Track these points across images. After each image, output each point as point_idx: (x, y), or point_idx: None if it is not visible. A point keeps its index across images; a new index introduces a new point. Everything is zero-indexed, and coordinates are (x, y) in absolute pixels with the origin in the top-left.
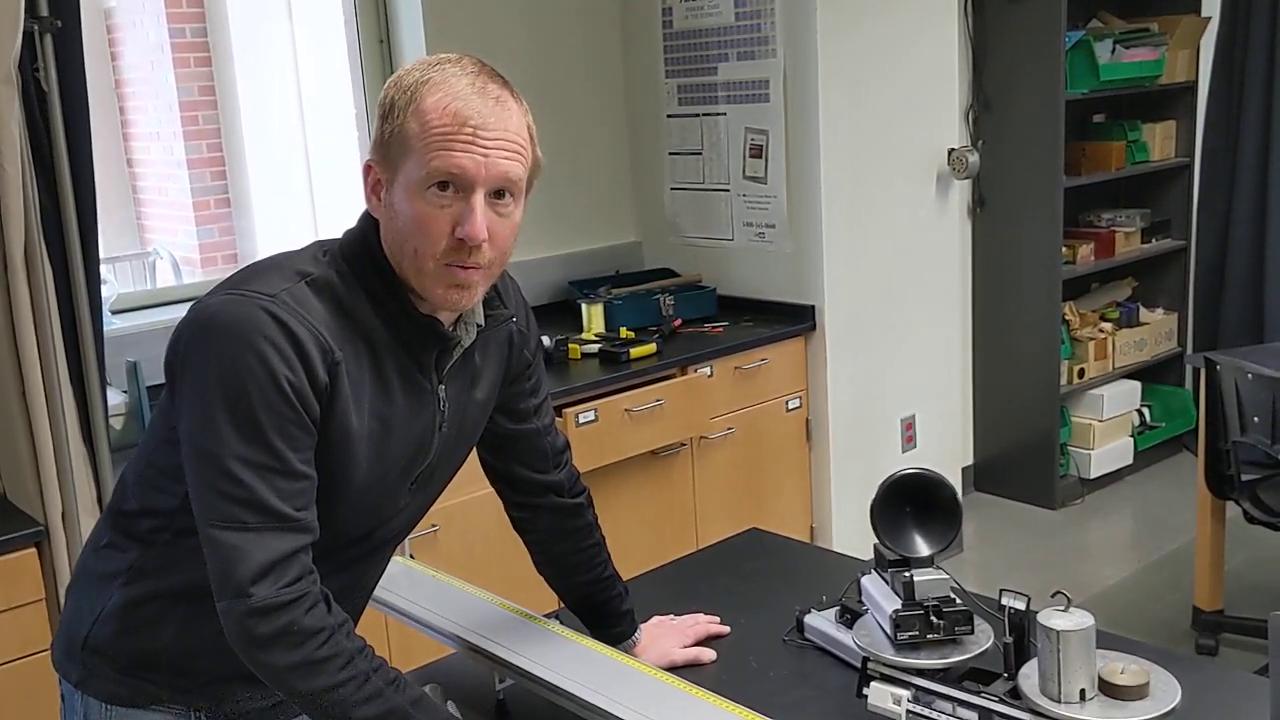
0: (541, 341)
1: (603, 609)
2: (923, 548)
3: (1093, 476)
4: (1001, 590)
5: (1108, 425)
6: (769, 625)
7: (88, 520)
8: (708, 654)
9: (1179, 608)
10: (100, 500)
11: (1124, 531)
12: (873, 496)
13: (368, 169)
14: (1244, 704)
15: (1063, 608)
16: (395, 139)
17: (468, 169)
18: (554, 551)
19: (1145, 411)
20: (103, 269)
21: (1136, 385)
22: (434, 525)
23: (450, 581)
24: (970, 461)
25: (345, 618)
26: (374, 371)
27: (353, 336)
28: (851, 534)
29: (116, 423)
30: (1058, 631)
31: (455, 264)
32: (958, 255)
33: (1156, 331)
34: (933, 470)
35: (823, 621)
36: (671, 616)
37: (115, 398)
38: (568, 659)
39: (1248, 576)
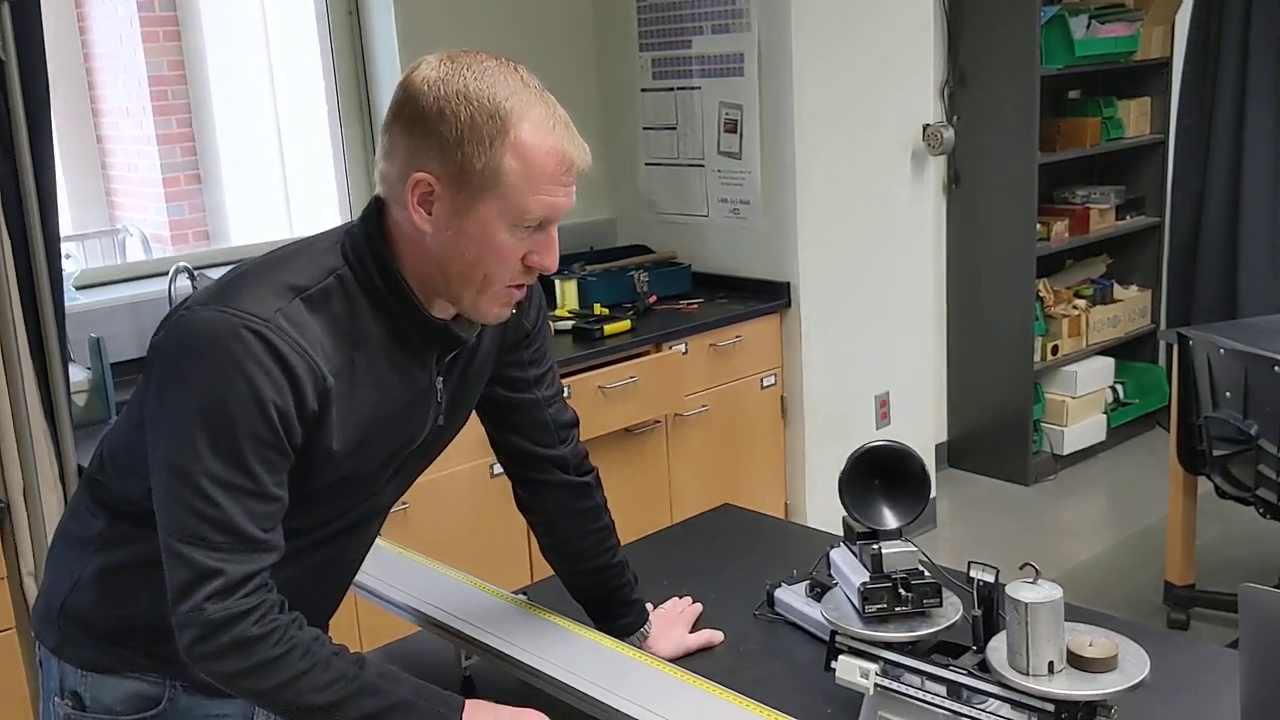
0: (545, 310)
1: (610, 598)
2: (891, 520)
3: (1066, 453)
4: (970, 563)
5: (1081, 402)
6: (740, 600)
7: (50, 497)
8: (717, 635)
9: (1151, 583)
10: (63, 476)
11: (1097, 507)
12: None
13: (418, 182)
14: (1213, 677)
15: (1031, 580)
16: (486, 170)
17: (562, 207)
18: (560, 535)
19: (1118, 388)
20: (72, 246)
21: (1110, 362)
22: (404, 504)
23: (416, 559)
24: (945, 438)
25: (298, 615)
26: (372, 377)
27: (350, 347)
28: (826, 510)
29: (79, 399)
30: (1026, 604)
31: (516, 286)
32: (932, 232)
33: (1130, 308)
34: (901, 442)
35: (792, 595)
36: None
37: (79, 374)
38: (534, 635)
39: (1219, 551)
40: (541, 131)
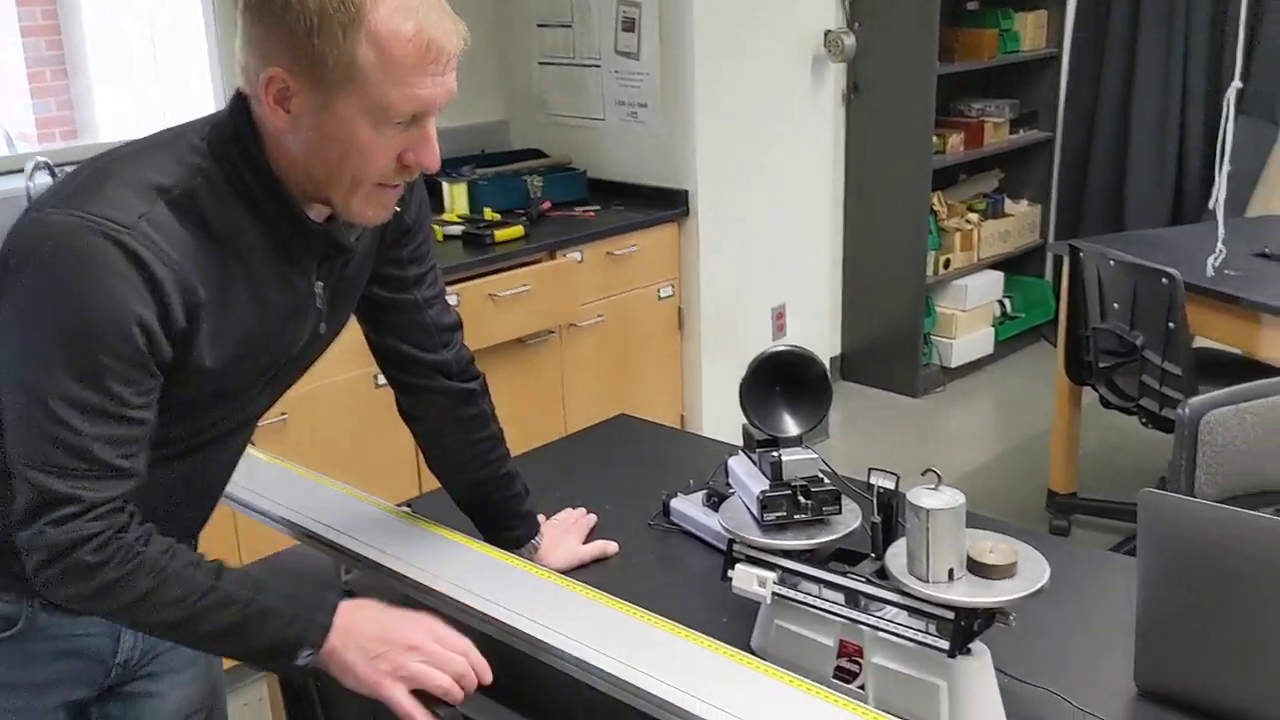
0: (427, 206)
1: (499, 509)
2: (792, 427)
3: (954, 365)
4: (871, 469)
5: (970, 315)
6: (635, 511)
7: None
8: (612, 546)
9: (1036, 490)
10: None
11: (984, 418)
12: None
13: (272, 78)
14: (1107, 581)
15: (933, 486)
16: (337, 64)
17: (437, 99)
18: (445, 443)
19: (1006, 302)
20: None
21: (999, 276)
22: (282, 414)
23: (294, 470)
24: (838, 351)
25: (148, 529)
26: (247, 286)
27: (221, 255)
28: (722, 422)
29: None
30: (927, 510)
31: (390, 185)
32: (831, 142)
33: (1021, 223)
34: (803, 348)
35: (689, 505)
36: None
37: None
38: (417, 548)
39: (1100, 460)
40: (401, 15)
